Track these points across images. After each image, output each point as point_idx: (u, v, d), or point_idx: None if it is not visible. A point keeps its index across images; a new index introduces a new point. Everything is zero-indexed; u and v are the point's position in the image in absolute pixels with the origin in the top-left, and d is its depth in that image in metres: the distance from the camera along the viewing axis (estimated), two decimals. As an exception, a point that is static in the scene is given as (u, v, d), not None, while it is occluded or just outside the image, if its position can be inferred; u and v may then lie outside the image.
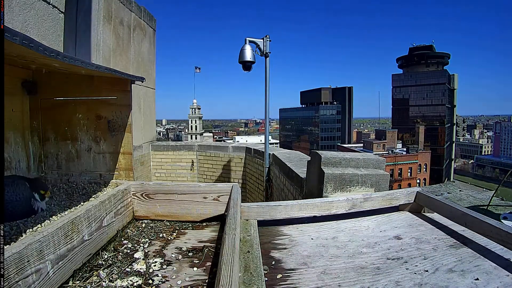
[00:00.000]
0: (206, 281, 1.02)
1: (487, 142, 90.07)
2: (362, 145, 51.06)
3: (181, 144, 6.89)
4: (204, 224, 1.52)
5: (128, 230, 1.42)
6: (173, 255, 1.19)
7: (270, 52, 4.57)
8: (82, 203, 1.47)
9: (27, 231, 1.09)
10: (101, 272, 1.04)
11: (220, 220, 1.53)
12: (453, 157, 64.34)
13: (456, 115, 70.26)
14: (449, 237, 1.31)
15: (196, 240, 1.34)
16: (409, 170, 43.15)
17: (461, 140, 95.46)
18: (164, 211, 1.54)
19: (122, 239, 1.32)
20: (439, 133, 60.98)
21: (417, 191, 1.61)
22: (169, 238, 1.35)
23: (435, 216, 1.53)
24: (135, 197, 1.54)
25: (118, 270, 1.07)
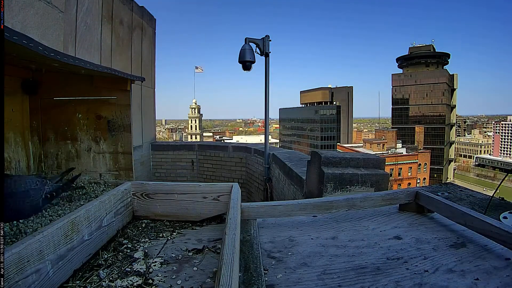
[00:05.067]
0: (206, 281, 1.02)
1: (487, 141, 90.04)
2: (362, 145, 51.07)
3: (181, 144, 6.89)
4: (204, 224, 1.52)
5: (128, 230, 1.42)
6: (173, 255, 1.19)
7: (270, 52, 4.57)
8: (82, 203, 1.47)
9: (27, 231, 1.09)
10: (101, 272, 1.04)
11: (220, 220, 1.53)
12: (453, 156, 64.37)
13: (456, 115, 70.26)
14: (449, 237, 1.31)
15: (196, 240, 1.34)
16: (409, 170, 43.16)
17: (461, 140, 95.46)
18: (164, 211, 1.54)
19: (122, 239, 1.32)
20: (439, 132, 61.01)
21: (417, 191, 1.60)
22: (169, 238, 1.35)
23: (435, 216, 1.53)
24: (135, 197, 1.54)
25: (118, 270, 1.07)
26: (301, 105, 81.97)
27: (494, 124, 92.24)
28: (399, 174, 42.20)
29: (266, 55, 4.55)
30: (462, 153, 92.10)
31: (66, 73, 1.70)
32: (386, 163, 2.43)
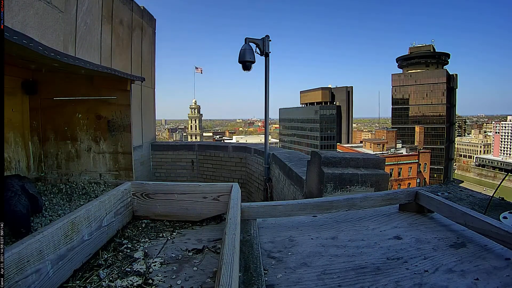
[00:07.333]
0: (206, 281, 1.02)
1: (487, 141, 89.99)
2: (362, 145, 51.08)
3: (181, 144, 6.89)
4: (204, 224, 1.52)
5: (128, 230, 1.42)
6: (173, 255, 1.19)
7: (270, 52, 4.57)
8: (82, 203, 1.47)
9: (27, 231, 1.09)
10: (101, 272, 1.04)
11: (220, 220, 1.53)
12: (453, 156, 64.35)
13: (456, 115, 70.25)
14: (449, 237, 1.31)
15: (196, 240, 1.34)
16: (409, 170, 43.14)
17: (461, 140, 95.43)
18: (164, 211, 1.54)
19: (122, 239, 1.32)
20: (439, 132, 61.02)
21: (417, 191, 1.60)
22: (169, 238, 1.35)
23: (435, 216, 1.53)
24: (135, 197, 1.54)
25: (118, 270, 1.07)
26: (301, 105, 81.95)
27: (494, 124, 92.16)
28: (399, 174, 42.18)
29: (266, 55, 4.55)
30: (462, 153, 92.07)
31: (66, 73, 1.70)
32: (386, 163, 2.43)
